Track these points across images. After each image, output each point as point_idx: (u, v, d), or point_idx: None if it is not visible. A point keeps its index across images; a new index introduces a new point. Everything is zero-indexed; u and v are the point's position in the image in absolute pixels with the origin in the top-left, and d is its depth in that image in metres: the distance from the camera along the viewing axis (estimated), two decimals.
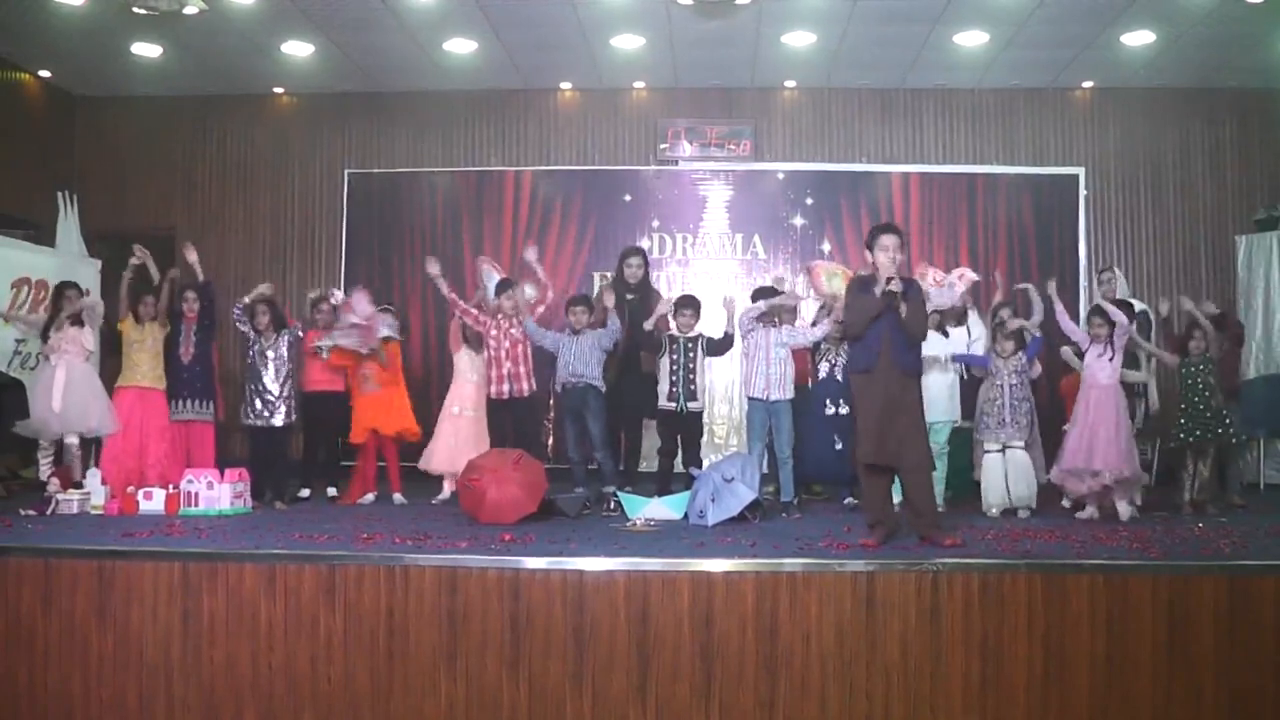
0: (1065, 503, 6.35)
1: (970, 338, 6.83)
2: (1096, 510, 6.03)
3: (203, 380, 6.99)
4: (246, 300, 7.04)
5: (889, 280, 4.95)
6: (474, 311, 7.09)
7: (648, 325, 6.86)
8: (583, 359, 6.77)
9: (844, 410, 6.58)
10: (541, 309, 7.18)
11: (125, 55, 8.61)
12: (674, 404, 6.78)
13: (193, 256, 7.08)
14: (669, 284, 8.98)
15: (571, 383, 6.79)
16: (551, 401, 8.72)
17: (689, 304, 6.89)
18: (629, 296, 7.14)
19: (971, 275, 6.87)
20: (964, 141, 9.45)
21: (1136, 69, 8.82)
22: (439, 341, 7.30)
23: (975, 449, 6.63)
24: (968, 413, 6.68)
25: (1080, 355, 6.29)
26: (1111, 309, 6.14)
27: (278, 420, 6.90)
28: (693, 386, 6.78)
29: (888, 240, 5.01)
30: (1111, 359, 6.01)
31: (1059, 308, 6.34)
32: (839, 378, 6.72)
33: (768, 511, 6.03)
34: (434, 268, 7.17)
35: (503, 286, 7.13)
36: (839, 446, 6.53)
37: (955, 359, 6.62)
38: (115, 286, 7.03)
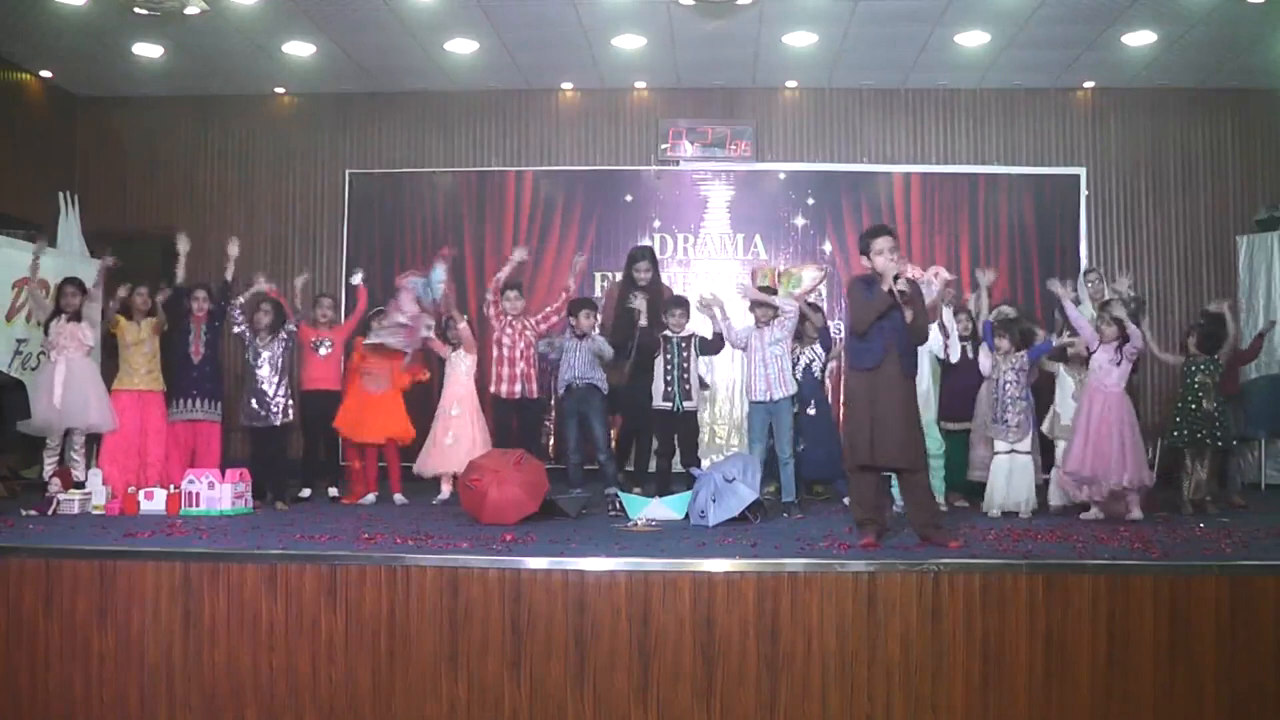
0: (1053, 502, 6.42)
1: (945, 337, 6.78)
2: (1101, 512, 6.03)
3: (212, 380, 6.97)
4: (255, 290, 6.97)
5: (896, 279, 4.94)
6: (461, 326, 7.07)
7: (644, 322, 6.87)
8: (585, 361, 6.81)
9: (812, 411, 6.60)
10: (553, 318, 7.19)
11: (126, 55, 8.61)
12: (669, 404, 6.80)
13: (234, 250, 7.00)
14: (670, 284, 8.97)
15: (577, 384, 6.83)
16: (553, 402, 8.74)
17: (678, 304, 6.91)
18: (642, 295, 7.09)
19: (946, 274, 6.82)
20: (965, 141, 9.45)
21: (1137, 69, 8.81)
22: None
23: (974, 450, 6.63)
24: (957, 414, 6.70)
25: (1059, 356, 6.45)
26: (1131, 325, 6.04)
27: (275, 420, 6.86)
28: (687, 386, 6.81)
29: (882, 243, 5.04)
30: (1120, 364, 6.00)
31: (1067, 303, 6.35)
32: (816, 375, 6.72)
33: (769, 512, 6.03)
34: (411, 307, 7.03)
35: (511, 287, 7.14)
36: (801, 447, 6.50)
37: (986, 334, 6.55)
38: (113, 289, 6.91)
